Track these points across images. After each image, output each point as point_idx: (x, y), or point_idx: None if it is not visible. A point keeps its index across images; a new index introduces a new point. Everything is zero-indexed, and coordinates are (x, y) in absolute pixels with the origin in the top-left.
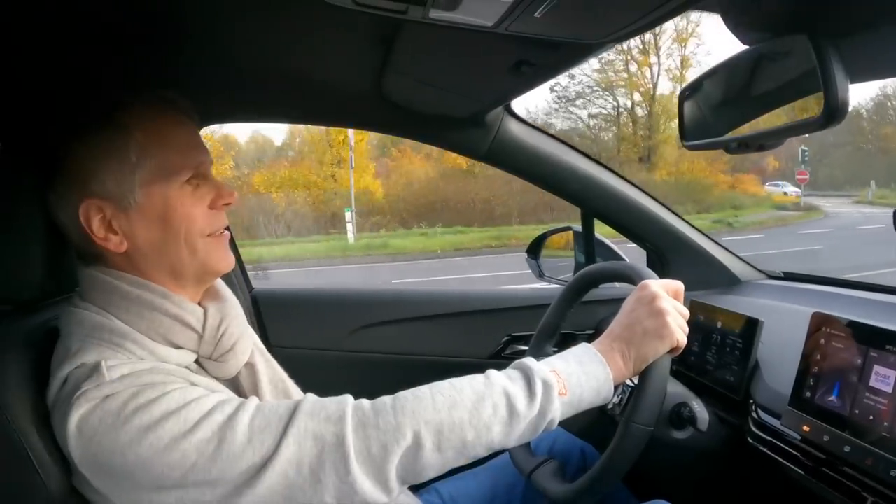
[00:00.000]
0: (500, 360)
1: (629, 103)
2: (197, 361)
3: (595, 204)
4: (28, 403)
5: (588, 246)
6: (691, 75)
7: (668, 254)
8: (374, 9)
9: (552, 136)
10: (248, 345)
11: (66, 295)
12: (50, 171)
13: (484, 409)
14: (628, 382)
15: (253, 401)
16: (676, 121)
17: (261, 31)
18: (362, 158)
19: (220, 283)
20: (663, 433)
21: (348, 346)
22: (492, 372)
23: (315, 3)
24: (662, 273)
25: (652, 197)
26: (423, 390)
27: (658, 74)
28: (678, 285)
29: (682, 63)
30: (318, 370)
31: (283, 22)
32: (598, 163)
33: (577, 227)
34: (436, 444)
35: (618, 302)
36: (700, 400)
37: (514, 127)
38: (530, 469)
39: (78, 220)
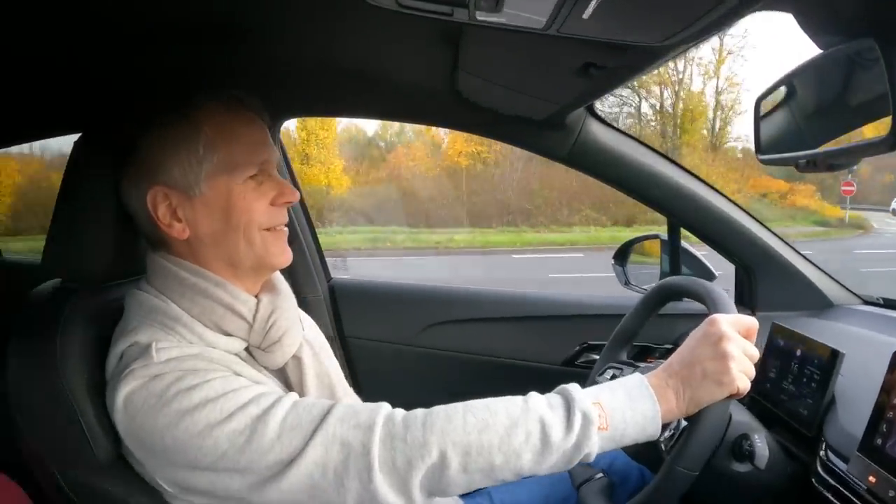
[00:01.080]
0: (574, 367)
1: (655, 101)
2: (248, 350)
3: (680, 213)
4: (85, 375)
5: (673, 255)
6: (728, 71)
7: (756, 270)
8: (419, 11)
9: (637, 140)
10: (296, 338)
11: (133, 278)
12: (124, 160)
13: (516, 435)
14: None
15: (291, 398)
16: (699, 121)
17: (332, 31)
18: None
19: (279, 277)
20: (723, 464)
21: (421, 342)
22: (533, 395)
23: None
24: (750, 291)
25: (741, 208)
26: (458, 408)
27: (684, 70)
28: (750, 323)
29: (718, 57)
30: (389, 363)
31: (355, 22)
32: (685, 170)
33: (665, 234)
34: (462, 464)
35: (700, 318)
36: (765, 433)
37: (596, 129)
38: (581, 481)
39: (146, 206)
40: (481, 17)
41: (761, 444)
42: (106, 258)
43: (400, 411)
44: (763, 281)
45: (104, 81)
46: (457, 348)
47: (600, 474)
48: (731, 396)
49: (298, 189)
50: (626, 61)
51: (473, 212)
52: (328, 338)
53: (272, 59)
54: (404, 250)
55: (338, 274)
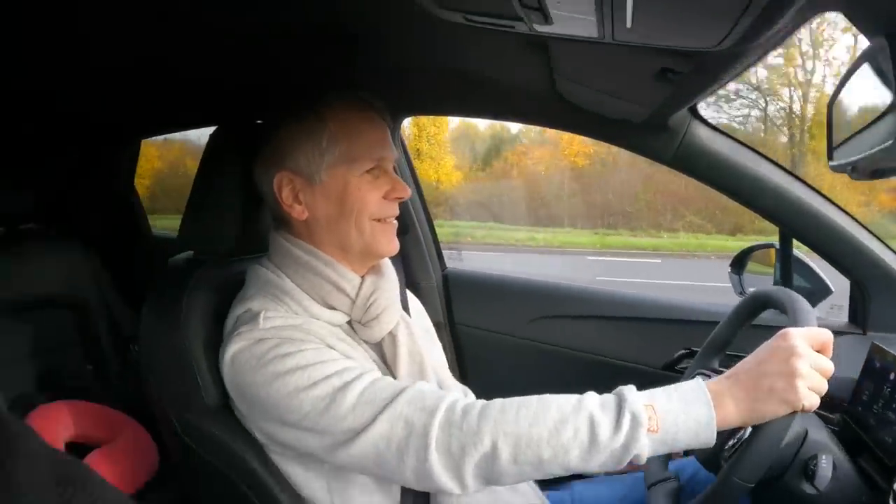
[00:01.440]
0: (673, 372)
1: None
2: (350, 324)
3: (789, 222)
4: (204, 334)
5: (784, 266)
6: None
7: (869, 287)
8: (484, 24)
9: (746, 145)
10: (393, 317)
11: (255, 255)
12: (259, 148)
13: (565, 431)
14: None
15: (371, 375)
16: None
17: (436, 37)
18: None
19: (387, 263)
20: (793, 483)
21: (525, 334)
22: (589, 395)
23: None
24: (863, 308)
25: (857, 221)
26: (514, 402)
27: (812, 70)
28: (825, 337)
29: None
30: (494, 352)
31: (456, 28)
32: (798, 178)
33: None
34: (512, 455)
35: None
36: (841, 456)
37: (702, 133)
38: (652, 482)
39: (273, 188)
40: (540, 29)
41: (826, 465)
42: (232, 236)
43: (462, 401)
44: (876, 299)
45: (240, 83)
46: (559, 343)
47: (673, 477)
48: (797, 412)
49: (417, 185)
50: (699, 66)
51: (574, 212)
52: (437, 323)
53: (390, 62)
54: (482, 245)
55: (453, 264)
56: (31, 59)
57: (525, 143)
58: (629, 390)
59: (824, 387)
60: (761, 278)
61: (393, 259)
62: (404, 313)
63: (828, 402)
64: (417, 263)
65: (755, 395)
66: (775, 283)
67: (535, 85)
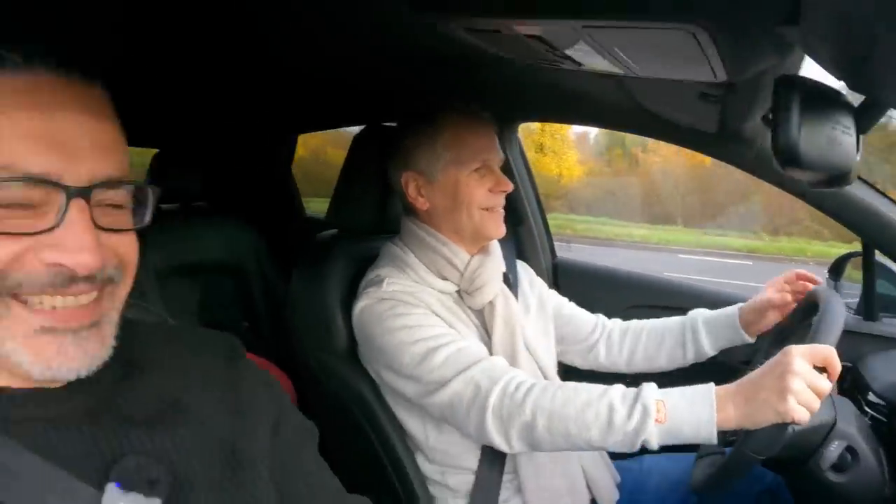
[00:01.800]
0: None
1: None
2: (458, 293)
3: (873, 235)
4: (340, 294)
5: (867, 273)
6: None
7: None
8: (539, 60)
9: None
10: (493, 289)
11: (387, 234)
12: (391, 151)
13: (588, 412)
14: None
15: (459, 343)
16: None
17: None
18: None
19: (495, 246)
20: (818, 469)
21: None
22: (616, 386)
23: None
24: None
25: None
26: (555, 384)
27: None
28: (826, 353)
29: None
30: None
31: None
32: (877, 190)
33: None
34: (546, 427)
35: (860, 338)
36: (860, 447)
37: None
38: (702, 454)
39: (401, 185)
40: (586, 67)
41: (843, 455)
42: (369, 218)
43: (521, 376)
44: None
45: (384, 93)
46: None
47: (720, 453)
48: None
49: (532, 181)
50: (731, 91)
51: (688, 211)
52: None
53: (499, 76)
54: (579, 238)
55: (562, 254)
56: (213, 64)
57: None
58: (649, 386)
59: (815, 404)
60: (858, 285)
61: (507, 246)
62: (505, 288)
63: None
64: (530, 252)
65: (752, 403)
66: (864, 289)
67: (616, 97)
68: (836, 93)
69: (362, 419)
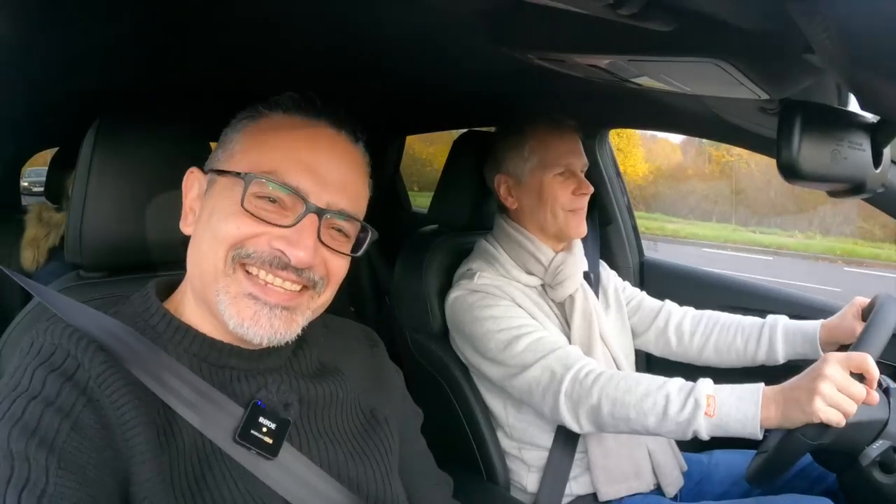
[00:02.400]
0: None
1: None
2: (542, 287)
3: None
4: (436, 283)
5: None
6: None
7: None
8: (607, 80)
9: None
10: (574, 283)
11: (481, 231)
12: (487, 155)
13: (647, 401)
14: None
15: (542, 331)
16: None
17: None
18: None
19: (577, 244)
20: (868, 468)
21: None
22: (675, 379)
23: None
24: None
25: None
26: (620, 374)
27: None
28: (861, 360)
29: None
30: None
31: None
32: None
33: None
34: (610, 411)
35: None
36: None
37: None
38: (761, 450)
39: (495, 185)
40: (647, 86)
41: (878, 451)
42: (465, 215)
43: (591, 364)
44: None
45: (481, 100)
46: None
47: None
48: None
49: (621, 181)
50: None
51: (740, 210)
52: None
53: (587, 86)
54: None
55: (649, 253)
56: (341, 75)
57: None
58: (704, 381)
59: (847, 406)
60: None
61: (591, 246)
62: (585, 284)
63: None
64: (617, 250)
65: (788, 400)
66: None
67: (697, 107)
68: (844, 113)
69: (451, 396)
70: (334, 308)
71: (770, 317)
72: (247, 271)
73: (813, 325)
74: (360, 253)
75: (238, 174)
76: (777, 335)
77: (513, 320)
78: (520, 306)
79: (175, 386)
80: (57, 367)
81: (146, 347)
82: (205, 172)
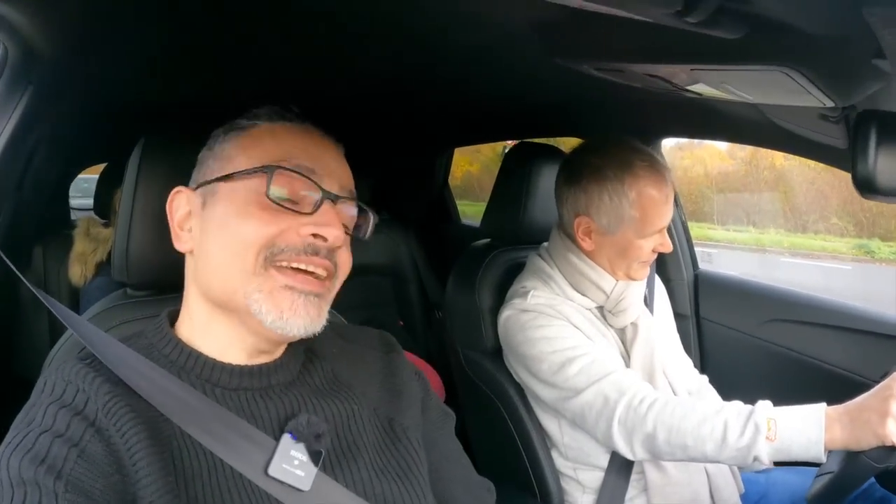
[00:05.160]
0: None
1: None
2: (599, 309)
3: None
4: (490, 300)
5: None
6: None
7: None
8: (663, 90)
9: None
10: (635, 312)
11: (532, 245)
12: (567, 180)
13: (704, 427)
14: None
15: (592, 355)
16: None
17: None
18: None
19: None
20: None
21: (760, 333)
22: (733, 403)
23: None
24: None
25: None
26: (675, 400)
27: None
28: None
29: None
30: (731, 346)
31: None
32: None
33: None
34: (666, 439)
35: None
36: None
37: None
38: (822, 471)
39: (573, 221)
40: (706, 96)
41: None
42: (517, 228)
43: (644, 390)
44: None
45: (532, 112)
46: (790, 346)
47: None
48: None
49: (676, 198)
50: (849, 111)
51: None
52: (680, 315)
53: (640, 95)
54: None
55: (704, 265)
56: (387, 84)
57: None
58: (763, 404)
59: None
60: None
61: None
62: (646, 310)
63: None
64: (672, 262)
65: (856, 424)
66: None
67: (754, 115)
68: None
69: (505, 413)
70: (383, 322)
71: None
72: (278, 266)
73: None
74: (367, 235)
75: (252, 171)
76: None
77: (566, 341)
78: (574, 326)
79: (201, 419)
80: (68, 403)
81: (169, 381)
82: (194, 189)
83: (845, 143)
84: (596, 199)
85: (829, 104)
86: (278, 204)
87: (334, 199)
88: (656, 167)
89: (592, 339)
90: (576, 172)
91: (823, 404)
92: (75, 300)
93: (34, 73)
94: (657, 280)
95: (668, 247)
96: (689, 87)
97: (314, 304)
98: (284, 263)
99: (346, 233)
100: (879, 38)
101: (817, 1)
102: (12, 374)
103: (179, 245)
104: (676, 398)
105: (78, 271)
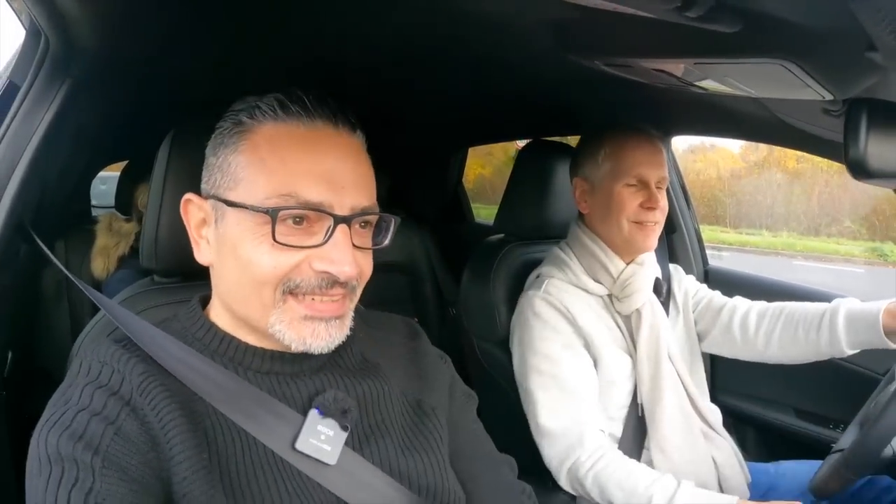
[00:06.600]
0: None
1: None
2: (609, 297)
3: None
4: (504, 293)
5: None
6: None
7: None
8: (672, 85)
9: None
10: (642, 297)
11: (552, 240)
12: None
13: (632, 500)
14: None
15: (576, 386)
16: None
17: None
18: None
19: (650, 257)
20: None
21: None
22: (664, 483)
23: None
24: None
25: None
26: (613, 464)
27: None
28: None
29: None
30: None
31: None
32: None
33: None
34: (600, 494)
35: None
36: None
37: None
38: (835, 449)
39: (573, 188)
40: (711, 90)
41: None
42: (531, 224)
43: (590, 451)
44: None
45: (544, 110)
46: None
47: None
48: None
49: (686, 192)
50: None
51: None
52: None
53: (651, 93)
54: None
55: (714, 262)
56: (398, 88)
57: None
58: (683, 491)
59: None
60: None
61: (660, 253)
62: (653, 296)
63: None
64: (682, 259)
65: None
66: None
67: (761, 112)
68: None
69: (516, 401)
70: None
71: (834, 301)
72: (296, 296)
73: (874, 310)
74: (387, 242)
75: (260, 210)
76: (838, 323)
77: (560, 368)
78: (582, 331)
79: (232, 398)
80: (104, 384)
81: (201, 362)
82: (205, 197)
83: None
84: (581, 157)
85: (829, 97)
86: (287, 245)
87: (348, 221)
88: (638, 127)
89: (598, 343)
90: (575, 149)
91: (734, 499)
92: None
93: (74, 66)
94: (680, 271)
95: (654, 202)
96: (695, 83)
97: (336, 325)
98: (304, 297)
99: (365, 247)
100: (867, 29)
101: None
102: (34, 366)
103: (200, 257)
104: (615, 462)
105: (101, 264)
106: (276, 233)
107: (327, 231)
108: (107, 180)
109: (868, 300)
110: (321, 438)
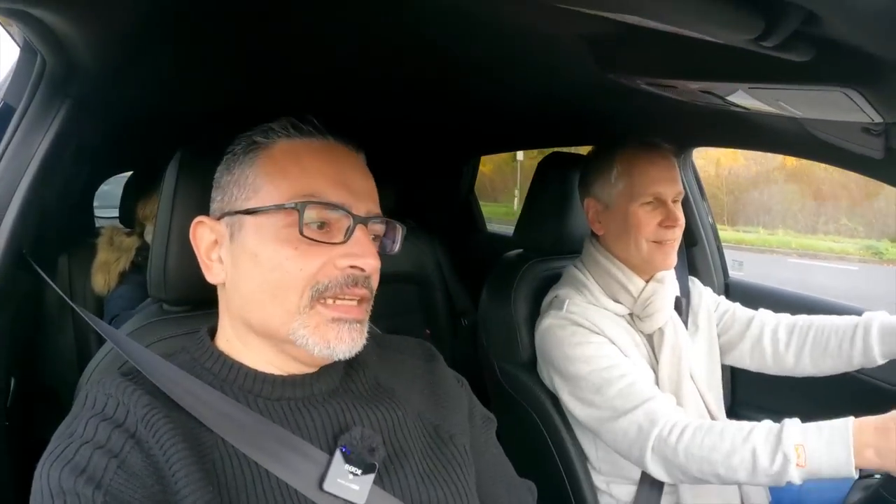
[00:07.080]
0: None
1: None
2: (631, 316)
3: None
4: (525, 311)
5: None
6: None
7: None
8: (710, 104)
9: None
10: (664, 316)
11: (568, 255)
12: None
13: (734, 458)
14: None
15: (633, 374)
16: None
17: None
18: None
19: (670, 274)
20: None
21: None
22: (761, 426)
23: None
24: None
25: None
26: (704, 427)
27: None
28: None
29: None
30: None
31: None
32: None
33: None
34: (699, 469)
35: None
36: None
37: None
38: (863, 474)
39: (585, 208)
40: (753, 110)
41: None
42: (551, 239)
43: (674, 420)
44: None
45: (563, 120)
46: None
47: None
48: None
49: (706, 202)
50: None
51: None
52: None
53: (675, 105)
54: None
55: (735, 274)
56: (416, 98)
57: None
58: (790, 428)
59: None
60: None
61: (679, 268)
62: (675, 315)
63: None
64: (702, 273)
65: (887, 438)
66: None
67: (790, 126)
68: None
69: (542, 427)
70: (410, 330)
71: (866, 314)
72: (323, 302)
73: None
74: (396, 249)
75: (283, 206)
76: (872, 336)
77: (603, 360)
78: (612, 342)
79: (250, 435)
80: (109, 416)
81: (217, 398)
82: (217, 218)
83: (882, 153)
84: (592, 176)
85: (878, 120)
86: (314, 240)
87: (365, 222)
88: (650, 142)
89: (628, 355)
90: (583, 166)
91: (849, 420)
92: (100, 309)
93: (73, 87)
94: (699, 285)
95: (673, 220)
96: (737, 101)
97: (357, 329)
98: (331, 301)
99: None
100: None
101: (885, 23)
102: (39, 384)
103: (210, 277)
104: (706, 425)
105: (101, 280)
106: (304, 230)
107: (347, 230)
108: (109, 180)
109: (861, 298)
110: (349, 478)
